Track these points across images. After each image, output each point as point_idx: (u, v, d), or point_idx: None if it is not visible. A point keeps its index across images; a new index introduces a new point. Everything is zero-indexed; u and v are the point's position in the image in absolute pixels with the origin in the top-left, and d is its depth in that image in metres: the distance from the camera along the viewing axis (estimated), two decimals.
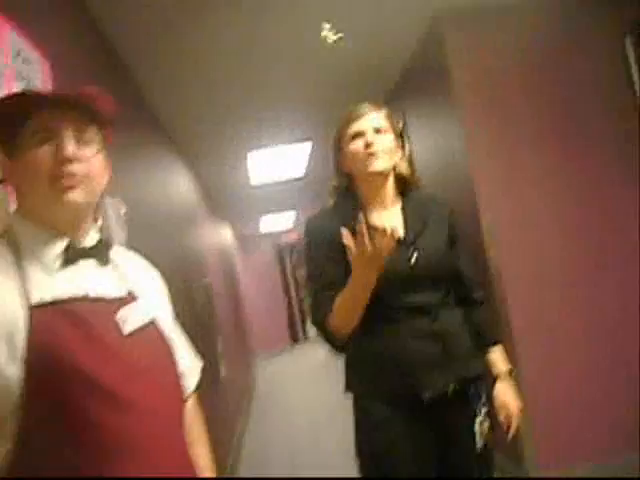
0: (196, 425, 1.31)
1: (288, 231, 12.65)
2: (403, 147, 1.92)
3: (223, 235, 8.75)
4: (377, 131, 1.80)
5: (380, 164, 1.78)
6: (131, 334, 1.05)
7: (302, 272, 15.63)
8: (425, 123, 3.99)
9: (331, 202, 1.94)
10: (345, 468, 1.79)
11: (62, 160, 1.00)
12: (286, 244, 13.38)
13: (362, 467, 1.77)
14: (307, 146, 5.64)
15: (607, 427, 3.21)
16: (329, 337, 1.76)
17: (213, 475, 1.29)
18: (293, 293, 14.31)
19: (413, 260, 1.73)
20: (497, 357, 1.91)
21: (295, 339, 13.18)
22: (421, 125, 4.07)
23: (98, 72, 2.65)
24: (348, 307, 1.69)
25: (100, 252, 1.11)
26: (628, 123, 3.35)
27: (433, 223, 1.84)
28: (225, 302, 6.93)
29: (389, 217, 1.82)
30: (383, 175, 1.82)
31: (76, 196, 1.02)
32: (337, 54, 3.67)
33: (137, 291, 1.15)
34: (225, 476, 4.08)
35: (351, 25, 3.28)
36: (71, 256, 1.05)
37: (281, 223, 11.12)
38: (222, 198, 7.65)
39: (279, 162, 5.99)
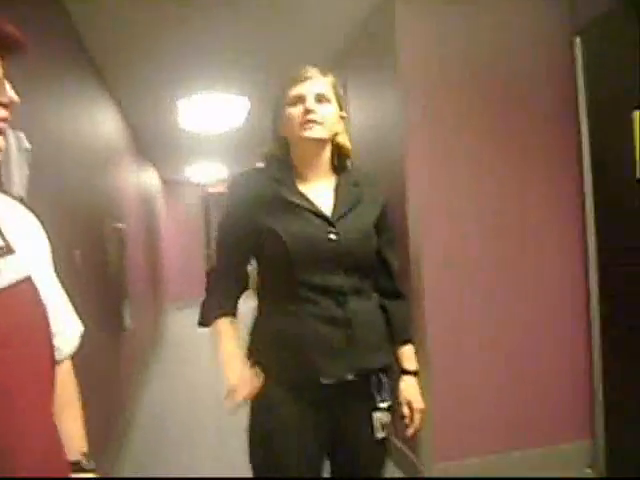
0: (67, 390, 1.22)
1: (217, 183, 12.35)
2: (343, 118, 1.82)
3: (148, 178, 8.46)
4: (319, 98, 1.69)
5: (317, 132, 1.68)
6: (1, 290, 0.94)
7: None
8: (366, 94, 3.89)
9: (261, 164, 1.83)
10: (244, 426, 1.72)
11: None
12: (213, 196, 13.11)
13: (251, 452, 1.70)
14: (244, 101, 5.46)
15: (503, 425, 3.28)
16: (204, 320, 1.81)
17: (82, 441, 1.22)
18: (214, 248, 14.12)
19: (332, 238, 1.64)
20: (407, 355, 1.86)
21: None
22: (361, 95, 3.97)
23: None
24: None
25: None
26: (569, 128, 3.35)
27: (363, 205, 1.75)
28: (141, 248, 6.72)
29: (320, 190, 1.73)
30: (319, 143, 1.71)
31: None
32: (282, 12, 3.52)
33: (14, 243, 1.03)
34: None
35: None
36: None
37: (210, 174, 10.83)
38: (150, 139, 7.33)
39: (213, 111, 5.76)
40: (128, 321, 4.60)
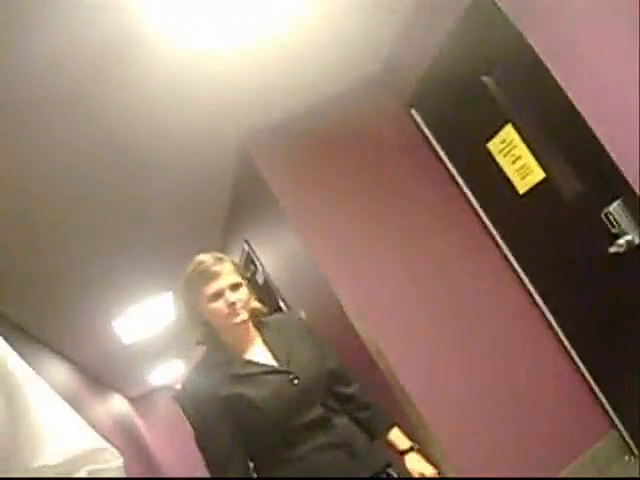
0: None
1: (179, 379, 12.23)
2: (249, 281, 2.04)
3: (116, 404, 8.36)
4: (233, 287, 1.87)
5: (243, 316, 1.85)
6: None
7: None
8: (267, 241, 4.20)
9: (201, 354, 1.98)
10: None
11: None
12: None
13: None
14: (169, 295, 5.66)
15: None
16: None
17: None
18: None
19: (296, 382, 1.83)
20: (397, 437, 2.02)
21: None
22: (264, 244, 4.27)
23: None
24: None
25: None
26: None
27: (296, 339, 1.96)
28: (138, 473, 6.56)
29: (258, 352, 1.92)
30: (246, 322, 1.91)
31: None
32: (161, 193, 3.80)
33: None
34: None
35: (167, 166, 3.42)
36: None
37: (172, 373, 10.74)
38: (101, 370, 7.34)
39: (146, 316, 5.93)
40: None
